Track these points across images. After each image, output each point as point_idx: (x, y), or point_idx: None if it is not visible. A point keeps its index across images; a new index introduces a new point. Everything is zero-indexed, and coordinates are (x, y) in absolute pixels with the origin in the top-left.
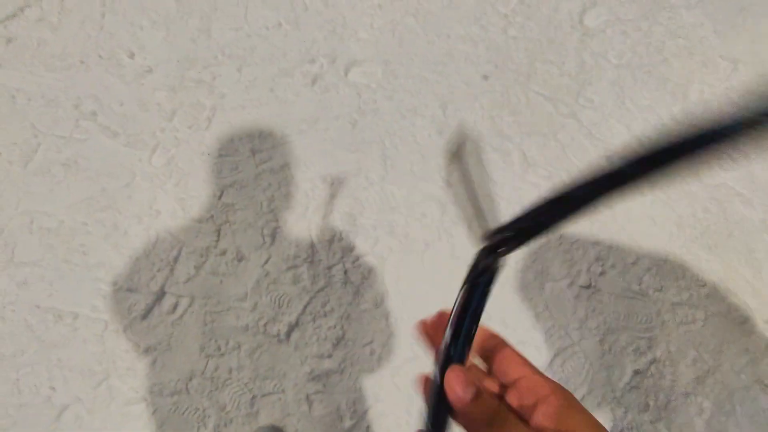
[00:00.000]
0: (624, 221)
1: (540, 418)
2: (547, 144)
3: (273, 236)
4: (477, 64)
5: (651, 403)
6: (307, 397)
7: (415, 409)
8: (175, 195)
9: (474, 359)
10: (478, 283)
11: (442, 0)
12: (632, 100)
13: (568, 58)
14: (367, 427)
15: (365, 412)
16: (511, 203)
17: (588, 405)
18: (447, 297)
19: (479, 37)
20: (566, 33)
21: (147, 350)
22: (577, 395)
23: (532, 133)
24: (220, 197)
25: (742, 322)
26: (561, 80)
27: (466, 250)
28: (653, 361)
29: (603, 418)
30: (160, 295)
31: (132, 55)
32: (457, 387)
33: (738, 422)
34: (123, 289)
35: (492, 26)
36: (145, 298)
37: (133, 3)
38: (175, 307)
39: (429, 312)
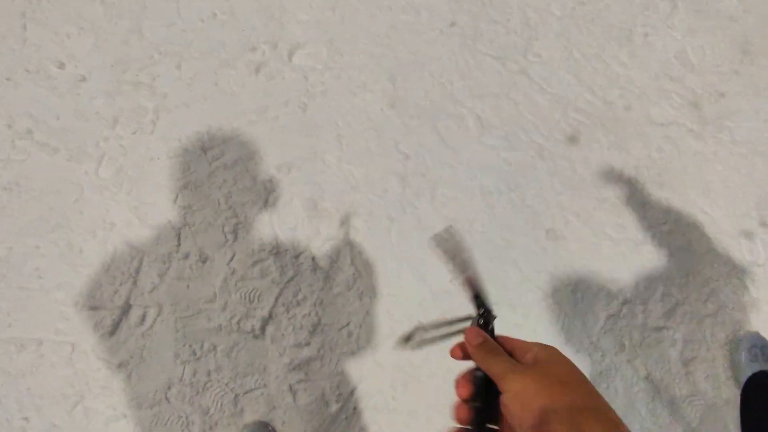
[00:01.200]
0: (584, 171)
1: (527, 357)
2: (500, 104)
3: (235, 233)
4: (421, 33)
5: (626, 342)
6: (291, 388)
7: (399, 384)
8: (128, 204)
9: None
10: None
11: None
12: (579, 50)
13: (512, 15)
14: (354, 408)
15: (350, 394)
16: (471, 167)
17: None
18: (418, 268)
19: (421, 5)
20: None
21: (120, 366)
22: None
23: (484, 95)
24: (175, 200)
25: (703, 252)
26: (507, 38)
27: (432, 219)
28: (624, 302)
29: (582, 363)
30: (126, 308)
31: (62, 66)
32: (470, 337)
33: (709, 347)
34: (86, 308)
35: None
36: (110, 314)
37: (56, 11)
38: (143, 318)
39: (401, 288)
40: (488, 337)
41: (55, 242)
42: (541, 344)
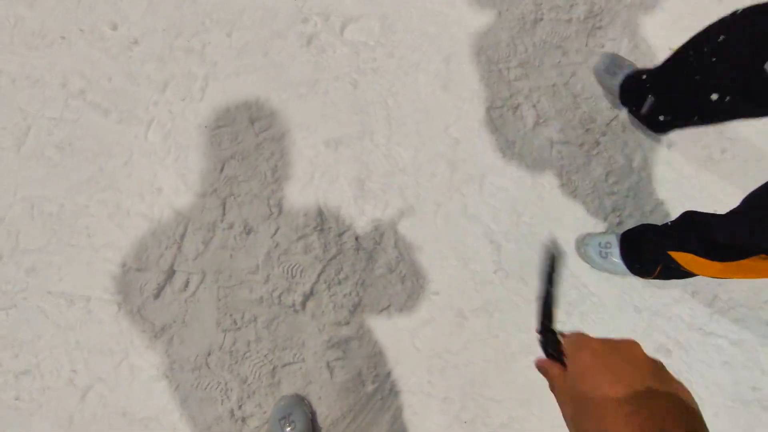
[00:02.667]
0: (641, 169)
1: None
2: (558, 94)
3: (280, 206)
4: (481, 13)
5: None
6: (328, 365)
7: (436, 369)
8: (175, 170)
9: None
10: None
11: None
12: (645, 42)
13: (576, 2)
14: (390, 389)
15: (387, 376)
16: (523, 157)
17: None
18: (462, 255)
19: None
20: None
21: (163, 328)
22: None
23: (542, 84)
24: (222, 170)
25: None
26: (569, 27)
27: (478, 207)
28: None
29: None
30: (171, 273)
31: (115, 27)
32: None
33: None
34: (132, 270)
35: None
36: (155, 277)
37: None
38: (186, 284)
39: (444, 274)
40: (544, 362)
41: (104, 202)
42: (567, 342)
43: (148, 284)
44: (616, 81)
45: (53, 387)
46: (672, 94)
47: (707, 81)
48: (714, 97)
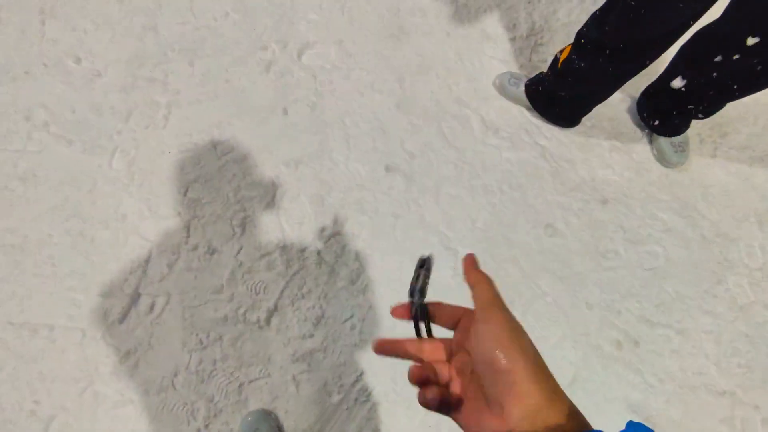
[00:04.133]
0: (585, 173)
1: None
2: (504, 106)
3: (243, 226)
4: (430, 34)
5: None
6: (294, 378)
7: (399, 376)
8: (139, 196)
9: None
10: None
11: None
12: None
13: (519, 21)
14: (355, 399)
15: (352, 385)
16: (474, 167)
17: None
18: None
19: (429, 7)
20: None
21: (128, 353)
22: (553, 339)
23: (489, 96)
24: (185, 193)
25: None
26: (514, 43)
27: (434, 217)
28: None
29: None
30: (136, 296)
31: (78, 60)
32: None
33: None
34: (97, 296)
35: None
36: (120, 302)
37: (74, 8)
38: (152, 307)
39: (403, 283)
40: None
41: (69, 231)
42: (468, 311)
43: (113, 309)
44: (520, 91)
45: (15, 420)
46: (568, 92)
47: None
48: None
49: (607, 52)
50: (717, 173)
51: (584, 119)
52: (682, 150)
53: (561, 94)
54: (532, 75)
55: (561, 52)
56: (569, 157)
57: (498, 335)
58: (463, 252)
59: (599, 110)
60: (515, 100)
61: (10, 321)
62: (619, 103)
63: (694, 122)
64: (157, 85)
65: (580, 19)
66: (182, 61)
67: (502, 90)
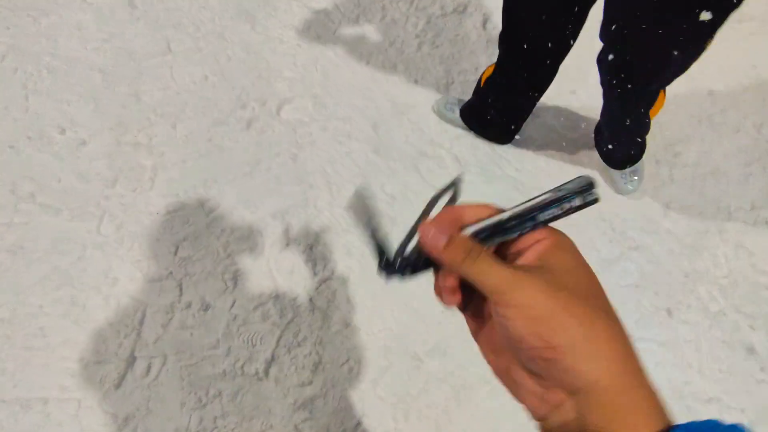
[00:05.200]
0: None
1: (528, 255)
2: (475, 143)
3: (235, 280)
4: (399, 84)
5: None
6: (296, 427)
7: (400, 415)
8: (130, 259)
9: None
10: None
11: (356, 31)
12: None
13: (480, 64)
14: None
15: (354, 429)
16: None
17: None
18: (410, 301)
19: (397, 58)
20: (474, 41)
21: (126, 419)
22: None
23: (460, 135)
24: (176, 252)
25: None
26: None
27: None
28: None
29: None
30: (131, 360)
31: (63, 131)
32: (429, 237)
33: None
34: (91, 363)
35: (407, 47)
36: (116, 367)
37: (58, 81)
38: (148, 369)
39: (395, 322)
40: (473, 240)
41: (59, 300)
42: (552, 235)
43: (109, 375)
44: (456, 115)
45: None
46: (495, 108)
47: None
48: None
49: (519, 62)
50: (674, 190)
51: (553, 147)
52: (632, 179)
53: (491, 112)
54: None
55: (485, 72)
56: (539, 186)
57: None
58: None
59: (569, 137)
60: (453, 123)
61: (1, 398)
62: (588, 132)
63: (650, 145)
64: (141, 149)
65: None
66: (165, 124)
67: (441, 116)
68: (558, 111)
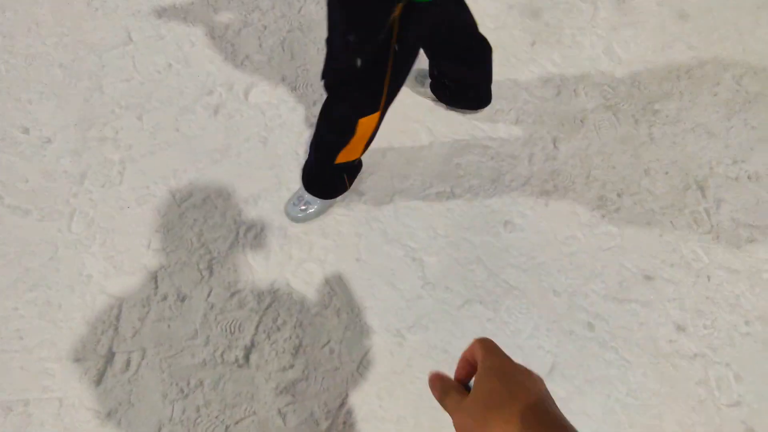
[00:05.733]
0: (532, 166)
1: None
2: (449, 114)
3: (210, 269)
4: None
5: None
6: (279, 411)
7: (384, 392)
8: (103, 255)
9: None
10: None
11: (322, 9)
12: (515, 56)
13: None
14: (344, 422)
15: (338, 409)
16: (425, 176)
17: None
18: (389, 278)
19: None
20: None
21: (109, 414)
22: (525, 333)
23: (434, 108)
24: (149, 245)
25: None
26: None
27: (396, 230)
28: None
29: None
30: (110, 356)
31: (26, 131)
32: (432, 381)
33: None
34: (70, 362)
35: None
36: (95, 364)
37: (17, 80)
38: (128, 364)
39: (375, 299)
40: (444, 377)
41: (34, 302)
42: (476, 352)
43: (88, 372)
44: (426, 88)
45: None
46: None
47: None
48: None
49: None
50: (654, 149)
51: (529, 116)
52: (303, 208)
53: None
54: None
55: None
56: (515, 154)
57: None
58: (429, 261)
59: (542, 107)
60: (423, 95)
61: None
62: (555, 96)
63: (628, 105)
64: (108, 143)
65: None
66: (131, 116)
67: (412, 87)
68: (532, 78)
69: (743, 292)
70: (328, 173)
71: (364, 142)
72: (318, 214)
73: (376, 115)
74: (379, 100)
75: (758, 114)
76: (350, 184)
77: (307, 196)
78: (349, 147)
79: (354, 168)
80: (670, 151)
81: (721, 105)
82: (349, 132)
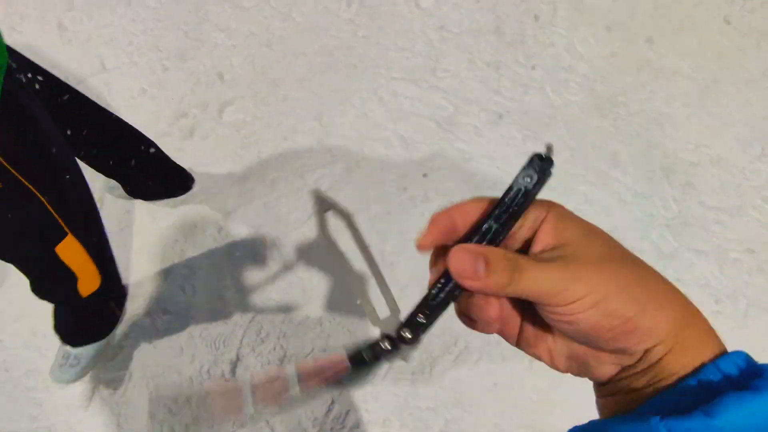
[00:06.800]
0: (506, 167)
1: (542, 240)
2: (420, 121)
3: (193, 285)
4: (338, 70)
5: None
6: (268, 423)
7: (369, 397)
8: None
9: None
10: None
11: (289, 25)
12: (481, 59)
13: (416, 41)
14: (331, 429)
15: (325, 416)
16: (397, 182)
17: None
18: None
19: (333, 45)
20: (408, 20)
21: None
22: None
23: (404, 115)
24: (128, 266)
25: None
26: (416, 61)
27: (370, 234)
28: None
29: None
30: (97, 381)
31: None
32: (464, 265)
33: None
34: (58, 389)
35: (341, 33)
36: (82, 390)
37: None
38: (115, 387)
39: (355, 306)
40: (510, 252)
41: (18, 333)
42: (544, 210)
43: (76, 398)
44: (121, 191)
45: None
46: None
47: None
48: None
49: None
50: (620, 141)
51: (498, 116)
52: (72, 365)
53: None
54: None
55: None
56: (488, 155)
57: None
58: (403, 265)
59: (511, 106)
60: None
61: None
62: (523, 95)
63: (593, 99)
64: (86, 173)
65: None
66: None
67: (114, 197)
68: (499, 79)
69: (713, 272)
70: (83, 311)
71: (91, 266)
72: (93, 362)
73: (70, 238)
74: (57, 223)
75: (717, 100)
76: (121, 310)
77: (74, 351)
78: (80, 279)
79: (110, 291)
80: (636, 141)
81: (681, 94)
82: (60, 268)
